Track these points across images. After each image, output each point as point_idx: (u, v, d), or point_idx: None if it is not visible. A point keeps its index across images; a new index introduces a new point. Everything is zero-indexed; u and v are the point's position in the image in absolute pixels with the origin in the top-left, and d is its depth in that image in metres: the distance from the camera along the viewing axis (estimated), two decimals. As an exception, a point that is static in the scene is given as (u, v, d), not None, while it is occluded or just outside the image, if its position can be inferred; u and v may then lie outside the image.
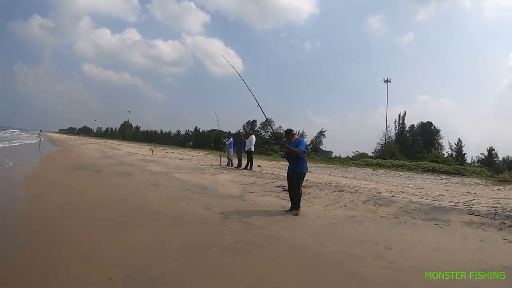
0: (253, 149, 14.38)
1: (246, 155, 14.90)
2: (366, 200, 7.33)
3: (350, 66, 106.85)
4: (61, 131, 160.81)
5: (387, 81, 55.27)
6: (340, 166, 30.82)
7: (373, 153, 54.50)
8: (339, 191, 8.33)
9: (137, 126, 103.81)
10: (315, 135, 65.85)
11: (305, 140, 65.34)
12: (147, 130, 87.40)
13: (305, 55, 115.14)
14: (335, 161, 46.12)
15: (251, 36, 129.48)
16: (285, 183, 7.91)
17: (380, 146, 55.59)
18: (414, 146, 54.39)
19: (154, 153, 24.03)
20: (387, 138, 55.62)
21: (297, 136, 7.06)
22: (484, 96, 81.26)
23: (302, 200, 7.03)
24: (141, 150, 29.32)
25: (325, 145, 64.97)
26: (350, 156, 53.53)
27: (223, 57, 10.27)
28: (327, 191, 8.36)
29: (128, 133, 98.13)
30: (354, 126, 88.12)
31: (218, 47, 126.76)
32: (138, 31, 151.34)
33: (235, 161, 15.49)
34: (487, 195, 12.66)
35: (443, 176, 25.98)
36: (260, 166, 18.74)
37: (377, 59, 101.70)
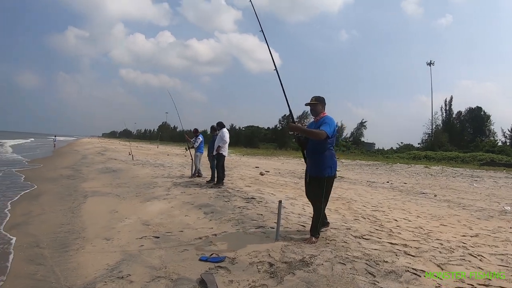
0: (224, 153, 8.68)
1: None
2: None
3: (388, 53, 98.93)
4: (104, 135, 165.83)
5: (430, 63, 48.28)
6: (383, 163, 24.51)
7: (419, 144, 48.54)
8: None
9: (174, 126, 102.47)
10: (356, 126, 60.39)
11: (345, 132, 60.06)
12: (182, 130, 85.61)
13: (341, 45, 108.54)
14: (377, 155, 40.38)
15: (285, 29, 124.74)
16: (225, 254, 3.56)
17: (427, 135, 48.47)
18: (463, 134, 47.38)
19: (135, 158, 19.02)
20: (434, 126, 48.20)
21: (326, 113, 4.08)
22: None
23: None
24: (137, 154, 23.94)
25: (367, 137, 59.55)
26: (394, 148, 48.20)
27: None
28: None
29: (165, 134, 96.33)
30: (395, 115, 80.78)
31: (253, 42, 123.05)
32: (172, 33, 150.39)
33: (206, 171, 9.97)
34: None
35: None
36: (263, 174, 13.00)
37: (415, 44, 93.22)
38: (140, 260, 3.68)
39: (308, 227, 4.24)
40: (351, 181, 12.44)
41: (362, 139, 59.25)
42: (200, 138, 10.57)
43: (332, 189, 4.00)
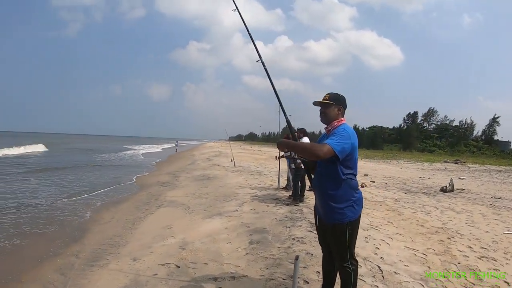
0: (301, 164, 7.59)
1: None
2: None
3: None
4: (231, 138, 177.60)
5: None
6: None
7: (559, 141, 39.57)
8: None
9: (297, 128, 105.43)
10: (487, 123, 53.59)
11: (475, 131, 52.41)
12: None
13: (465, 31, 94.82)
14: (511, 157, 33.97)
15: (402, 21, 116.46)
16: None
17: None
18: None
19: (237, 164, 19.21)
20: None
21: (344, 121, 2.60)
22: None
23: None
24: (245, 159, 24.28)
25: (501, 135, 52.20)
26: (532, 148, 39.97)
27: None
28: None
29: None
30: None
31: (372, 38, 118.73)
32: (288, 37, 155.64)
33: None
34: None
35: None
36: (363, 186, 11.34)
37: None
38: None
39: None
40: (471, 196, 9.82)
41: (495, 137, 51.59)
42: None
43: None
